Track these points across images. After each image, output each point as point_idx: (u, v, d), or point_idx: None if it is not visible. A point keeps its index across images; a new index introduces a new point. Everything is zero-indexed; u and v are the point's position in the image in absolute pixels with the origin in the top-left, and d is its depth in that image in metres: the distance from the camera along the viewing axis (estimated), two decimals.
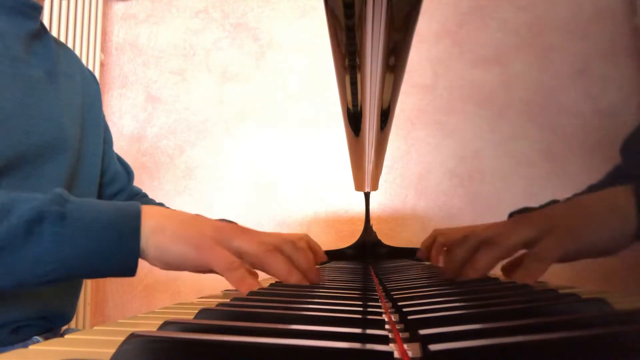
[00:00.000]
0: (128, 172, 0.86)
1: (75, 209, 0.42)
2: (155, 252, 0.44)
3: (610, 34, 1.53)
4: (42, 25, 0.65)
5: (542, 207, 0.76)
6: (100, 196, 0.79)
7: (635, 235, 0.43)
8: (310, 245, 0.66)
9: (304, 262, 0.51)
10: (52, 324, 0.65)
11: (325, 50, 1.56)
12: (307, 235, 0.67)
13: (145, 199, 0.89)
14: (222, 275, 0.45)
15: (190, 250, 0.44)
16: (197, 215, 0.48)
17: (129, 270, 0.43)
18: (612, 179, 0.76)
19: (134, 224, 0.43)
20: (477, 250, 0.48)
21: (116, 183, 0.82)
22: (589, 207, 0.46)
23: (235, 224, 0.50)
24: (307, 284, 0.48)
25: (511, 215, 0.81)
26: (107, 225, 0.42)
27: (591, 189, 0.79)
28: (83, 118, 0.70)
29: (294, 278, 0.47)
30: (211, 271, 0.48)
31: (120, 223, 0.42)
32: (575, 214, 0.46)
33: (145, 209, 0.44)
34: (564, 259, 0.44)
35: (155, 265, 0.45)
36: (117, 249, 0.42)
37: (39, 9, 0.63)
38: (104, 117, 0.81)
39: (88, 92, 0.73)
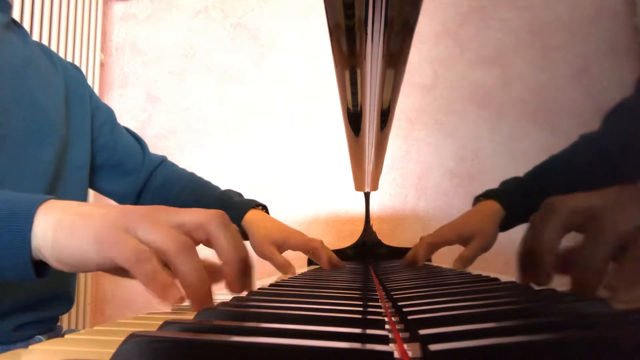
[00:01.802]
0: (139, 142, 0.86)
1: None
2: (52, 252, 0.35)
3: (610, 34, 1.53)
4: (14, 20, 0.67)
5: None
6: (116, 174, 0.81)
7: None
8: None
9: (230, 246, 0.37)
10: (56, 308, 0.65)
11: (325, 50, 1.56)
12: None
13: (163, 163, 0.88)
14: (129, 271, 0.34)
15: (87, 247, 0.34)
16: (107, 206, 0.38)
17: (23, 272, 0.36)
18: (582, 147, 0.76)
19: (24, 218, 0.36)
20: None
21: (131, 158, 0.83)
22: None
23: (151, 208, 0.37)
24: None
25: (477, 199, 0.81)
26: None
27: (558, 158, 0.79)
28: (68, 106, 0.70)
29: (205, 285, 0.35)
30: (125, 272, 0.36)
31: (9, 218, 0.36)
32: None
33: (49, 203, 0.37)
34: None
35: (57, 267, 0.36)
36: (3, 248, 0.35)
37: (8, 4, 0.65)
38: (100, 102, 0.81)
39: (70, 80, 0.73)
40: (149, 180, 0.85)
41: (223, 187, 0.90)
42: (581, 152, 0.78)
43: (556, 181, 0.76)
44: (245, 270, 0.38)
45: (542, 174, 0.79)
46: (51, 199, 0.37)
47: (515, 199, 0.77)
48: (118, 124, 0.83)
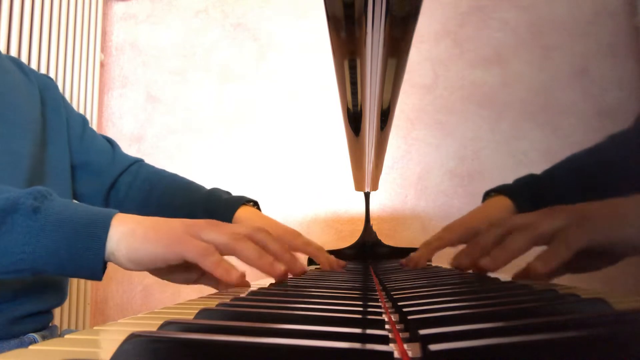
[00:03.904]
0: (111, 143, 0.86)
1: (51, 206, 0.43)
2: (127, 254, 0.44)
3: (610, 34, 1.53)
4: None
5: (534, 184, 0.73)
6: (84, 174, 0.80)
7: None
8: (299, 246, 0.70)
9: (278, 248, 0.50)
10: (48, 299, 0.65)
11: (325, 50, 1.56)
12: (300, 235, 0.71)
13: (138, 163, 0.86)
14: (198, 263, 0.44)
15: (160, 247, 0.44)
16: (169, 219, 0.48)
17: (94, 271, 0.44)
18: (609, 148, 0.73)
19: (102, 227, 0.43)
20: (506, 236, 0.48)
21: (100, 157, 0.82)
22: (623, 208, 0.45)
23: (210, 220, 0.49)
24: (282, 271, 0.48)
25: (487, 194, 0.78)
26: (77, 225, 0.43)
27: (577, 157, 0.77)
28: (43, 110, 0.72)
29: (265, 262, 0.47)
30: (188, 267, 0.47)
31: (89, 225, 0.43)
32: (607, 212, 0.45)
33: (119, 216, 0.45)
34: (589, 250, 0.43)
35: (128, 267, 0.45)
36: (83, 249, 0.42)
37: None
38: (71, 107, 0.82)
39: (44, 87, 0.75)
40: (121, 179, 0.83)
41: (224, 187, 0.89)
42: (606, 153, 0.74)
43: (573, 181, 0.72)
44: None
45: (559, 173, 0.75)
46: (119, 212, 0.46)
47: (528, 196, 0.72)
48: (89, 128, 0.83)
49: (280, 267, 0.48)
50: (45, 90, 0.75)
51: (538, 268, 0.44)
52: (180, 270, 0.48)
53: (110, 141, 0.86)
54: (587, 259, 0.45)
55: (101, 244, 0.43)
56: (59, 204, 0.44)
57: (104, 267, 0.45)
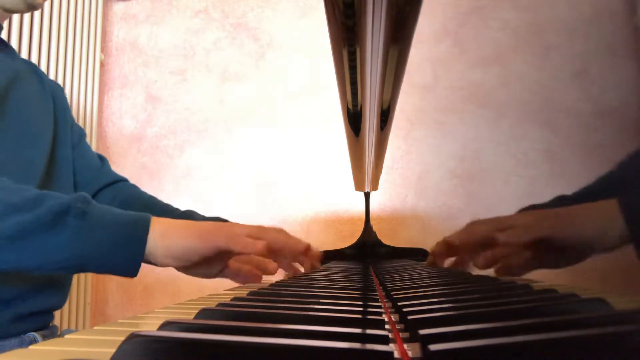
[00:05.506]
0: (101, 159, 0.86)
1: (96, 210, 0.49)
2: (163, 252, 0.50)
3: (610, 34, 1.53)
4: (2, 40, 0.72)
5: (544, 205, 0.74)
6: (78, 179, 0.80)
7: (618, 239, 0.49)
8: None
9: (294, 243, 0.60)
10: (50, 299, 0.65)
11: (325, 50, 1.56)
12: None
13: (123, 182, 0.86)
14: (230, 248, 0.51)
15: (195, 241, 0.50)
16: (198, 221, 0.55)
17: (132, 269, 0.49)
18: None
19: (142, 229, 0.49)
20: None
21: (86, 171, 0.82)
22: (578, 209, 0.54)
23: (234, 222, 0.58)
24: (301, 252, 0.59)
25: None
26: (121, 227, 0.48)
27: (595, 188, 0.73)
28: (55, 119, 0.75)
29: (293, 241, 0.57)
30: (211, 261, 0.54)
31: (131, 226, 0.49)
32: (564, 214, 0.54)
33: (154, 219, 0.51)
34: (547, 244, 0.52)
35: (166, 264, 0.51)
36: (125, 249, 0.48)
37: None
38: (73, 119, 0.84)
39: (57, 96, 0.78)
40: (104, 192, 0.83)
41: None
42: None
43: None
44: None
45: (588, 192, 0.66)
46: (152, 216, 0.51)
47: None
48: (85, 142, 0.84)
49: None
50: (57, 98, 0.78)
51: (500, 237, 0.53)
52: (204, 265, 0.54)
53: (101, 157, 0.86)
54: (552, 255, 0.54)
55: (142, 244, 0.49)
56: (102, 208, 0.49)
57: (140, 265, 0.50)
